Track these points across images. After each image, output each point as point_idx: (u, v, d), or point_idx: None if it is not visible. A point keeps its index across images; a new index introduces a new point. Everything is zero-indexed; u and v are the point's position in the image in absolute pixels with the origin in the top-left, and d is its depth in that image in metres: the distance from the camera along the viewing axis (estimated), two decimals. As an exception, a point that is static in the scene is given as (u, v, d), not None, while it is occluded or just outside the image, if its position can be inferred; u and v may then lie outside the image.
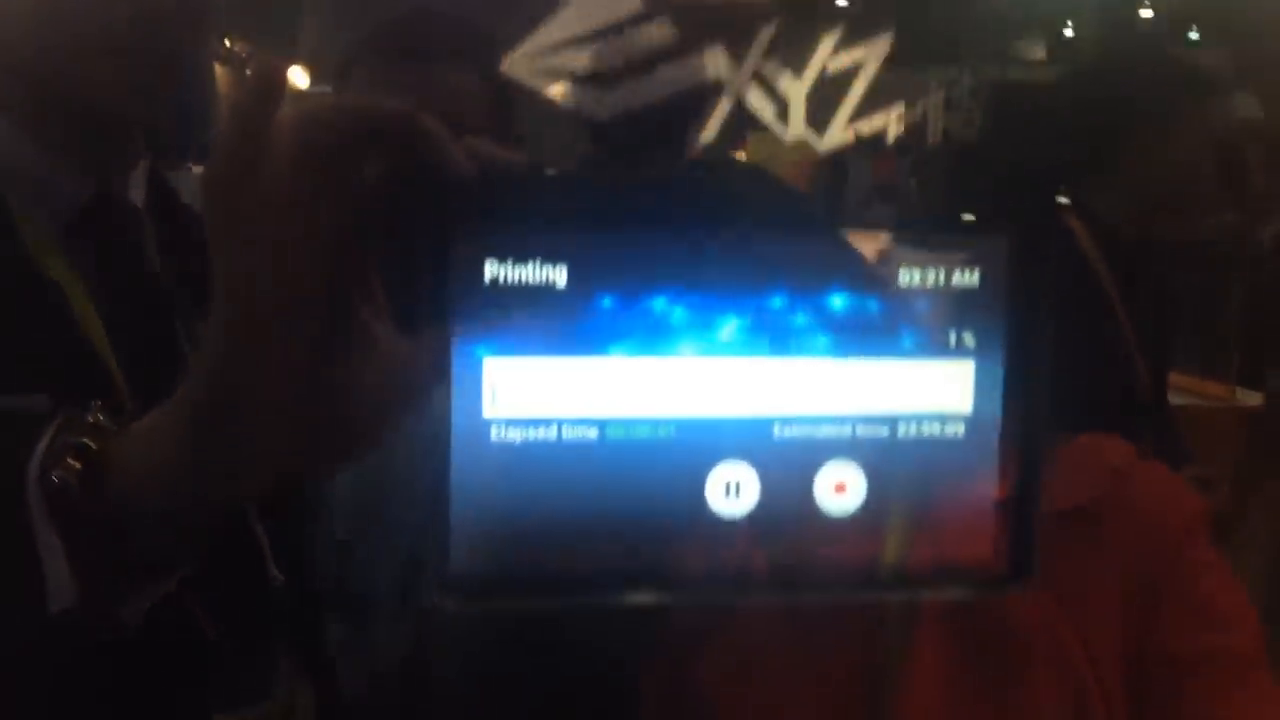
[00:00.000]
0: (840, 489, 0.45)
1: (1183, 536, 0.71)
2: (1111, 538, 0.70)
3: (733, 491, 0.45)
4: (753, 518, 0.45)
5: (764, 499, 0.45)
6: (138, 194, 0.79)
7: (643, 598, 0.44)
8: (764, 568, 0.45)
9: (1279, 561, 1.69)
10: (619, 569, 0.44)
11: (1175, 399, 1.78)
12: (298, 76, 3.53)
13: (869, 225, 0.44)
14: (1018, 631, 0.69)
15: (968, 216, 0.44)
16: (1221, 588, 0.71)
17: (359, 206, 0.42)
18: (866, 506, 0.45)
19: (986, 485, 0.45)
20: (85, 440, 0.45)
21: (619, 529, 0.44)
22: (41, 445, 0.45)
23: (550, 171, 0.47)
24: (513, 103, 1.13)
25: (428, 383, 0.44)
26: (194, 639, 0.71)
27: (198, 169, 0.73)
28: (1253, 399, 1.95)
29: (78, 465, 0.44)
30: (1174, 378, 1.77)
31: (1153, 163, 1.50)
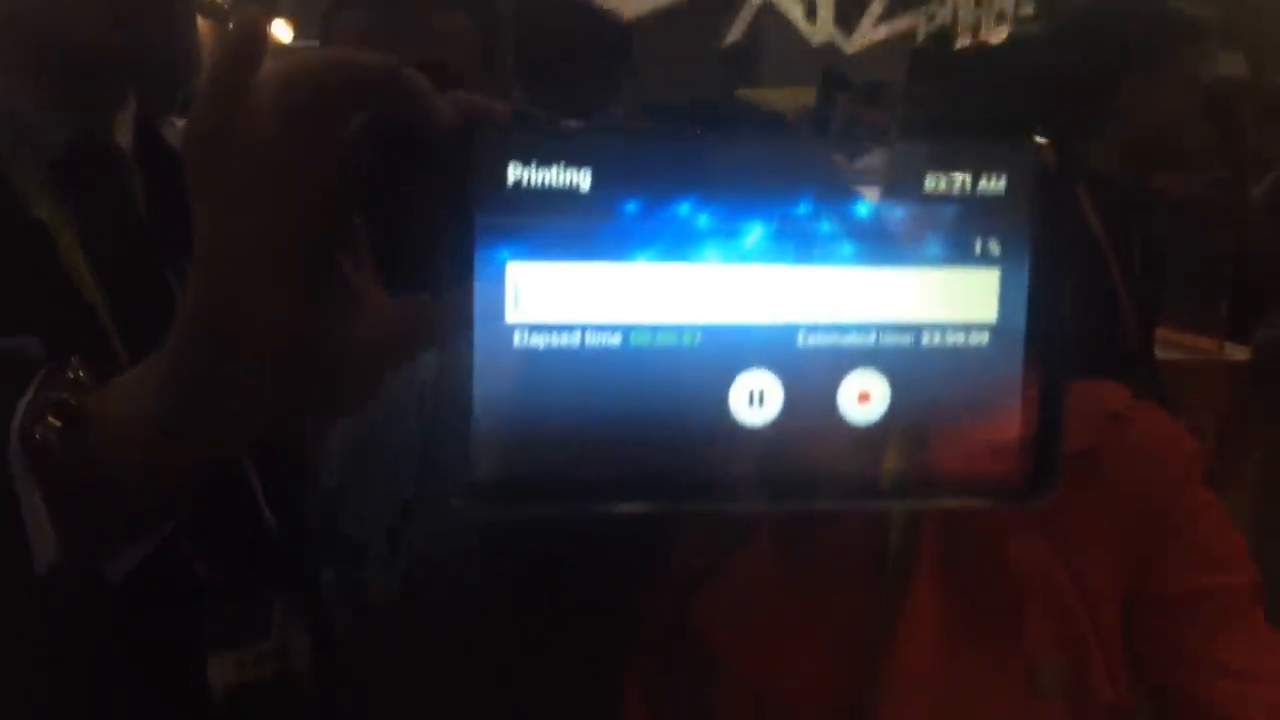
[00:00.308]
0: (864, 398, 0.45)
1: (1180, 480, 0.72)
2: (1109, 482, 0.70)
3: (756, 400, 0.44)
4: (776, 426, 0.44)
5: (787, 407, 0.44)
6: (125, 139, 0.78)
7: (665, 505, 0.44)
8: (786, 476, 0.45)
9: (1263, 511, 1.70)
10: (641, 476, 0.44)
11: (1164, 353, 1.79)
12: (280, 30, 3.49)
13: (896, 132, 0.43)
14: (1015, 574, 0.70)
15: (994, 123, 0.44)
16: (1218, 529, 0.72)
17: (342, 161, 0.41)
18: (890, 416, 0.45)
19: (1010, 395, 0.45)
20: (66, 396, 0.44)
21: (642, 436, 0.44)
22: (24, 402, 0.44)
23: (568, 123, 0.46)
24: (502, 42, 1.11)
25: (414, 339, 0.44)
26: (189, 581, 0.71)
27: (181, 122, 0.72)
28: (1241, 353, 1.96)
29: (58, 422, 0.44)
30: (1163, 332, 1.78)
31: (1143, 111, 1.50)
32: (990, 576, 0.69)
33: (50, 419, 0.44)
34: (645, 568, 0.77)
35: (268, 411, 0.43)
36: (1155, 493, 0.71)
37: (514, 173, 0.42)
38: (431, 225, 0.41)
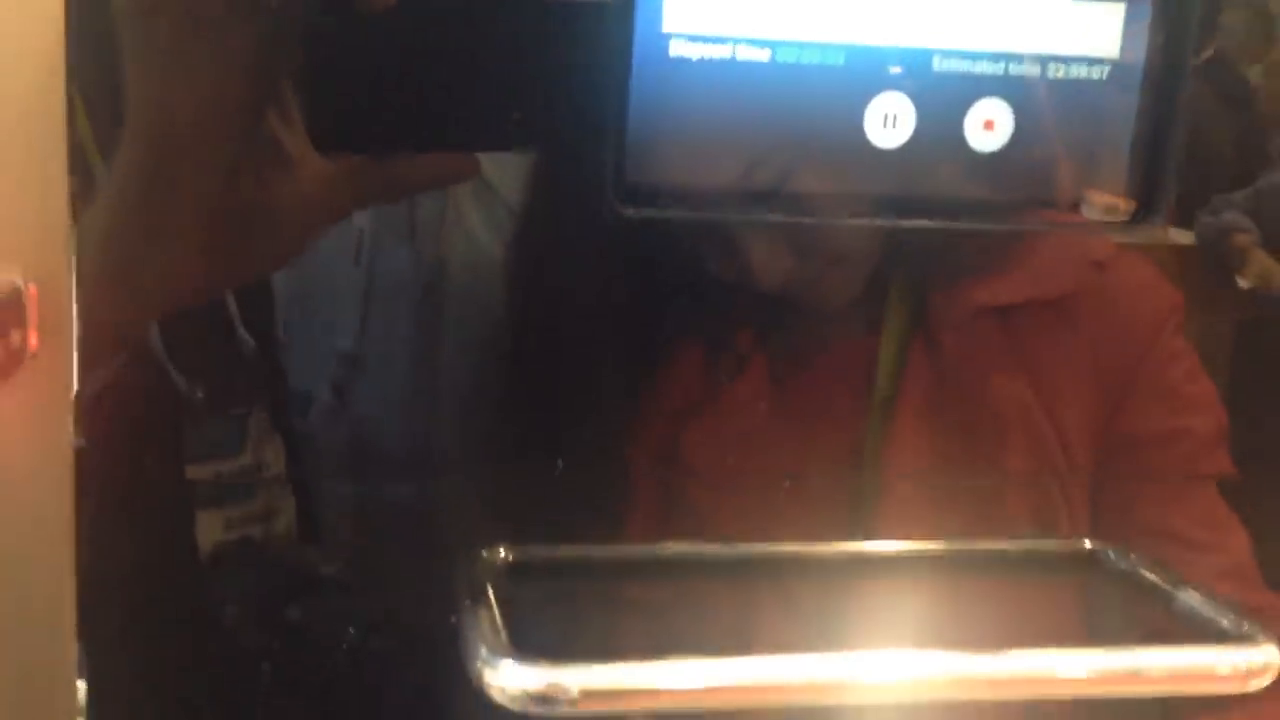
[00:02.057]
0: (989, 125, 0.47)
1: (1157, 327, 0.74)
2: (1089, 326, 0.72)
3: (890, 122, 0.46)
4: (906, 149, 0.47)
5: (918, 131, 0.47)
6: None
7: (800, 218, 0.46)
8: (912, 197, 0.47)
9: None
10: (779, 189, 0.46)
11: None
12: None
13: None
14: (995, 410, 0.72)
15: None
16: (1189, 376, 0.74)
17: (273, 25, 0.42)
18: (1012, 144, 0.47)
19: (1125, 129, 0.48)
20: None
21: (782, 151, 0.46)
22: None
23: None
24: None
25: (348, 199, 0.46)
26: (166, 395, 0.71)
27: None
28: (1185, 238, 1.98)
29: None
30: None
31: None
32: (972, 411, 0.71)
33: None
34: (634, 404, 0.77)
35: (198, 274, 0.44)
36: (1131, 339, 0.73)
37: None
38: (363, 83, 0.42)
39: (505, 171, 0.64)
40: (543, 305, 0.69)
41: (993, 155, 0.48)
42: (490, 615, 0.45)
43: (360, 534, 0.72)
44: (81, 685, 0.42)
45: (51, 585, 0.41)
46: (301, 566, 0.71)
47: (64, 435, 0.40)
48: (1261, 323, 0.80)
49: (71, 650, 0.42)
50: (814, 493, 0.74)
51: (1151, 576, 0.56)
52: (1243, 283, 0.80)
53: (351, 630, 0.63)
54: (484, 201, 0.67)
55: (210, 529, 0.72)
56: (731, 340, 0.68)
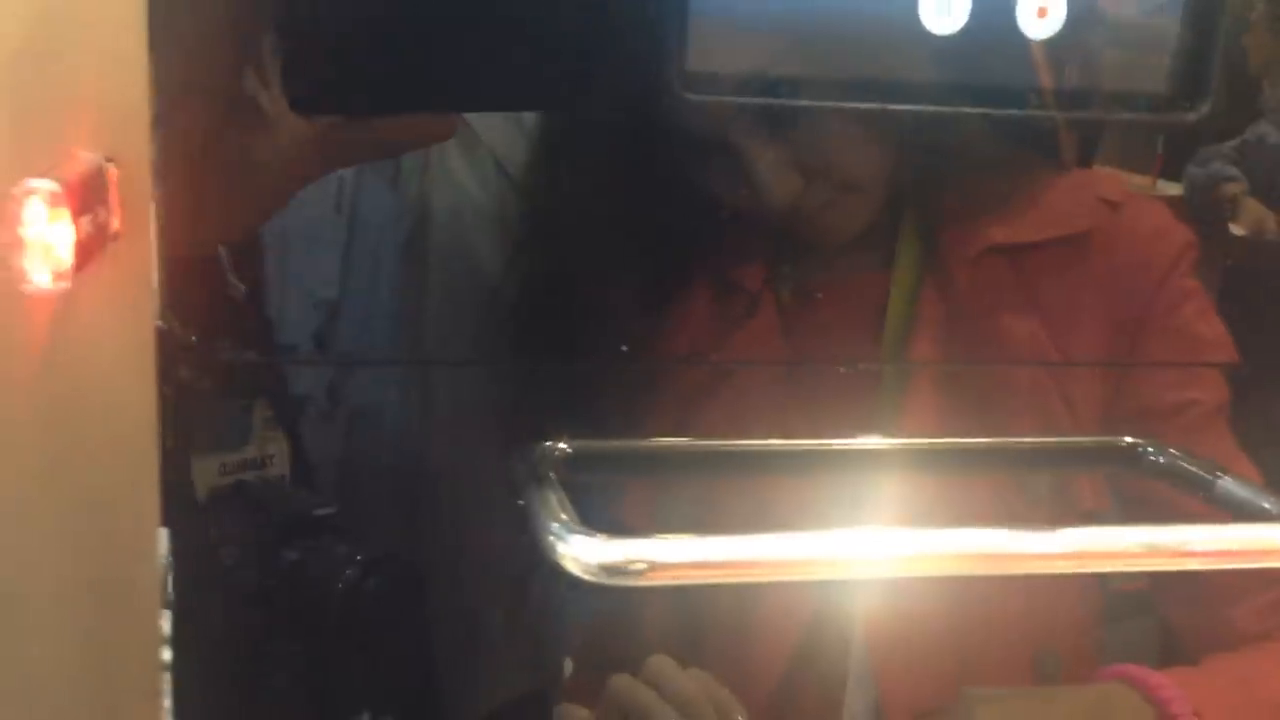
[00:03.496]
0: (1042, 13, 0.48)
1: (1169, 266, 0.74)
2: (1102, 265, 0.72)
3: (945, 9, 0.47)
4: (960, 36, 0.47)
5: (973, 18, 0.47)
6: None
7: (860, 103, 0.47)
8: (968, 82, 0.48)
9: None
10: (839, 76, 0.47)
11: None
12: None
13: None
14: (1006, 346, 0.72)
15: None
16: (1200, 315, 0.75)
17: None
18: (1064, 31, 0.48)
19: (1171, 17, 0.48)
20: None
21: (840, 39, 0.46)
22: None
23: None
24: None
25: (328, 158, 0.47)
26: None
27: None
28: (1173, 189, 1.97)
29: None
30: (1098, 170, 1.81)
31: None
32: (985, 345, 0.71)
33: None
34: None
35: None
36: (1144, 277, 0.73)
37: None
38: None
39: (489, 118, 0.65)
40: (541, 252, 0.69)
41: (1046, 41, 0.48)
42: (558, 497, 0.47)
43: (351, 478, 0.73)
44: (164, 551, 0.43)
45: (136, 466, 0.42)
46: (296, 508, 0.72)
47: (147, 316, 0.41)
48: (1247, 268, 0.81)
49: (155, 533, 0.43)
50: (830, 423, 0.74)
51: (1191, 467, 0.57)
52: (1237, 230, 0.81)
53: (348, 571, 0.62)
54: (468, 148, 0.67)
55: (205, 474, 0.74)
56: (741, 280, 0.68)
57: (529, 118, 0.65)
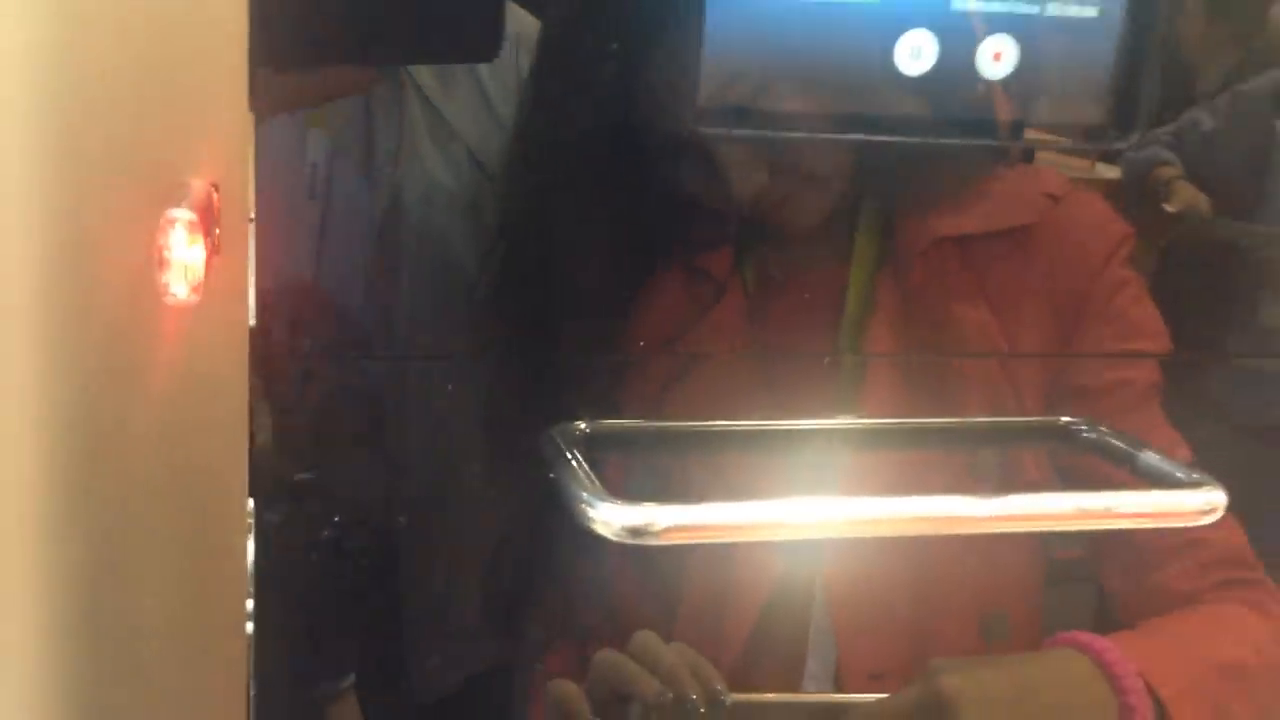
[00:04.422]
0: (998, 57, 0.56)
1: (1107, 256, 0.79)
2: (1045, 255, 0.77)
3: (916, 54, 0.55)
4: (928, 78, 0.55)
5: (939, 62, 0.55)
6: None
7: (845, 136, 0.55)
8: (934, 118, 0.56)
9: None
10: (825, 110, 0.55)
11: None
12: None
13: None
14: (957, 332, 0.76)
15: None
16: (1136, 302, 0.79)
17: None
18: (1016, 72, 0.56)
19: (1107, 57, 0.57)
20: None
21: (826, 78, 0.54)
22: None
23: None
24: None
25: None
26: None
27: None
28: (1112, 172, 2.06)
29: None
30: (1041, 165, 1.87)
31: None
32: (937, 334, 0.76)
33: None
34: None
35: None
36: (1083, 267, 0.77)
37: None
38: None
39: (464, 110, 0.67)
40: (514, 242, 0.71)
41: (1001, 81, 0.57)
42: (585, 470, 0.55)
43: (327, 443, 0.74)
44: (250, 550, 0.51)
45: (229, 452, 0.49)
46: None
47: (242, 318, 0.48)
48: (1181, 250, 0.87)
49: (244, 500, 0.50)
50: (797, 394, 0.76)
51: (1117, 443, 0.67)
52: (1170, 209, 0.86)
53: (325, 531, 0.66)
54: (440, 140, 0.69)
55: None
56: (709, 267, 0.72)
57: (502, 111, 0.67)
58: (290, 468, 0.64)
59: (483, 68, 0.66)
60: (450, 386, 0.71)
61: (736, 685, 0.75)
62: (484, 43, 0.58)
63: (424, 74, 0.66)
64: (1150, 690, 0.73)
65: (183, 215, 0.41)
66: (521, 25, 0.65)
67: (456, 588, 0.76)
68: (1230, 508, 0.62)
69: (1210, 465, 0.70)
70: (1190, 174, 0.77)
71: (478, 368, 0.71)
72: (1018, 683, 0.75)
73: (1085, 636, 0.75)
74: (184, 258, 0.41)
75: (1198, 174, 0.77)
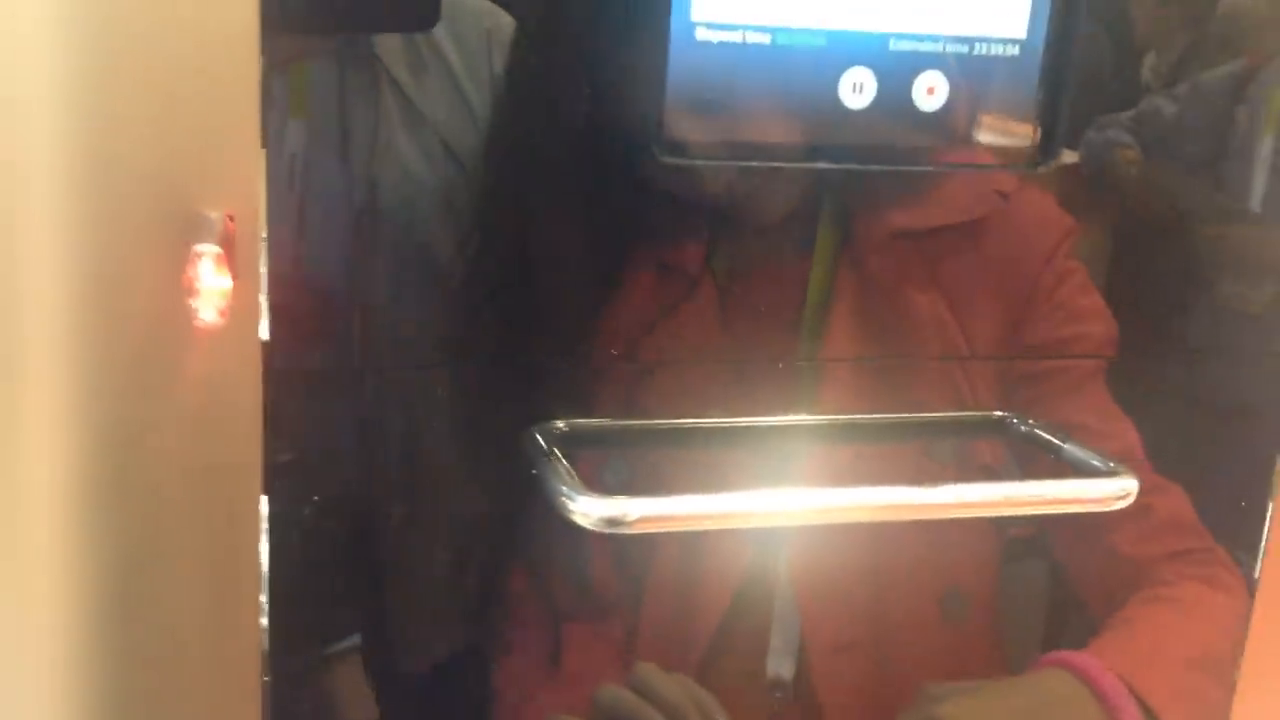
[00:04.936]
0: (931, 91, 0.63)
1: (1053, 248, 0.83)
2: (995, 247, 0.81)
3: (858, 89, 0.61)
4: (869, 110, 0.62)
5: (879, 96, 0.62)
6: None
7: (797, 162, 0.61)
8: (875, 146, 0.63)
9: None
10: (779, 139, 0.61)
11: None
12: None
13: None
14: (913, 320, 0.80)
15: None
16: (1081, 290, 0.84)
17: None
18: (948, 105, 0.63)
19: (1030, 90, 0.64)
20: None
21: (779, 110, 0.61)
22: None
23: None
24: None
25: None
26: None
27: None
28: (1070, 156, 2.11)
29: None
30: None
31: None
32: (894, 323, 0.80)
33: None
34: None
35: None
36: (1031, 257, 0.82)
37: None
38: None
39: (438, 101, 0.68)
40: (488, 235, 0.72)
41: (934, 113, 0.63)
42: (565, 466, 0.61)
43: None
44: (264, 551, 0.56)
45: (247, 443, 0.55)
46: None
47: (255, 333, 0.53)
48: (1136, 226, 0.92)
49: (258, 495, 0.56)
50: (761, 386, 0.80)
51: (1045, 435, 0.73)
52: (1127, 193, 0.90)
53: (305, 510, 0.67)
54: (415, 130, 0.70)
55: None
56: (682, 263, 0.76)
57: (477, 105, 0.69)
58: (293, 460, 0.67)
59: (456, 60, 0.68)
60: (432, 388, 0.73)
61: (707, 664, 0.79)
62: (423, 11, 0.62)
63: (398, 65, 0.68)
64: (1138, 699, 0.77)
65: (209, 249, 0.47)
66: (495, 20, 0.68)
67: (437, 571, 0.78)
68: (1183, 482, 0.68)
69: (1167, 442, 0.77)
70: (1149, 159, 0.80)
71: (455, 371, 0.73)
72: (1013, 709, 0.80)
73: (1073, 658, 0.79)
74: (212, 286, 0.47)
75: (1157, 159, 0.80)
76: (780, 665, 0.84)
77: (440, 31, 0.66)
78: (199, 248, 0.47)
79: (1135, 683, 0.78)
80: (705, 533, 0.77)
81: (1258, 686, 0.84)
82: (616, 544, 0.78)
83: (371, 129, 0.67)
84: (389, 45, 0.66)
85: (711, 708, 0.75)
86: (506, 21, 0.67)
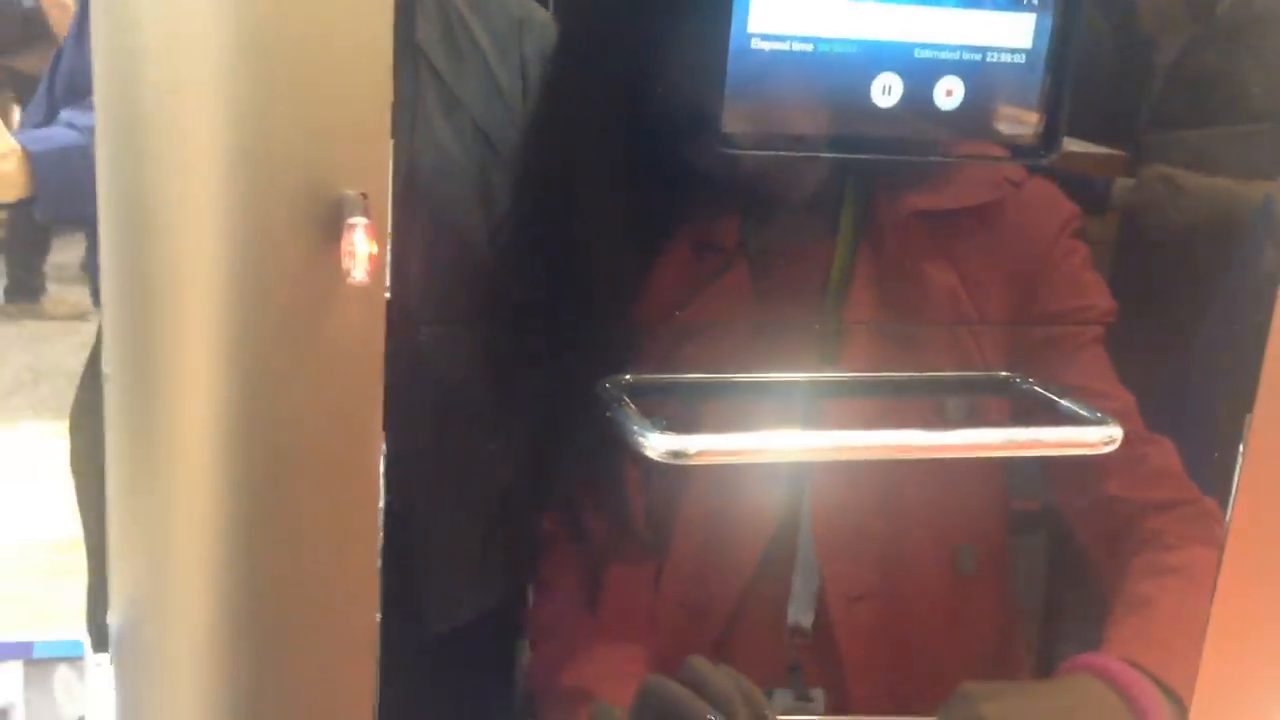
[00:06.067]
0: (950, 93, 0.73)
1: (1059, 230, 0.91)
2: (1005, 230, 0.88)
3: (886, 91, 0.72)
4: (896, 109, 0.72)
5: (904, 97, 0.72)
6: None
7: (838, 152, 0.72)
8: (901, 139, 0.73)
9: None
10: (823, 133, 0.72)
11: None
12: None
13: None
14: (929, 295, 0.87)
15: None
16: (1084, 266, 0.92)
17: None
18: (964, 105, 0.73)
19: (1035, 92, 0.74)
20: None
21: (823, 107, 0.71)
22: None
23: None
24: None
25: None
26: None
27: None
28: (1075, 145, 2.14)
29: None
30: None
31: None
32: (910, 299, 0.87)
33: None
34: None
35: None
36: (1038, 239, 0.89)
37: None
38: None
39: (469, 84, 0.74)
40: (524, 214, 0.78)
41: (952, 111, 0.74)
42: (635, 410, 0.72)
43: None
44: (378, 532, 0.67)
45: (368, 388, 0.65)
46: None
47: (379, 294, 0.64)
48: (1136, 219, 0.99)
49: (379, 432, 0.66)
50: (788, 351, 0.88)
51: (1042, 390, 0.84)
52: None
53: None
54: (451, 114, 0.74)
55: None
56: (719, 240, 0.82)
57: (507, 83, 0.75)
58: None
59: (489, 47, 0.75)
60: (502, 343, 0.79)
61: (733, 610, 0.86)
62: None
63: (436, 50, 0.73)
64: (1166, 691, 0.83)
65: (360, 221, 0.57)
66: (526, 10, 0.76)
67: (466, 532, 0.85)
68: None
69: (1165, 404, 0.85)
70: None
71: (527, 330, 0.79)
72: (1053, 709, 0.86)
73: (1102, 662, 0.85)
74: (363, 251, 0.57)
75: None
76: (800, 613, 0.92)
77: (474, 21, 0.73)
78: (352, 220, 0.57)
79: (1162, 675, 0.84)
80: (738, 488, 0.86)
81: (1225, 631, 0.89)
82: (657, 493, 0.86)
83: (410, 109, 0.71)
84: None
85: (759, 701, 0.79)
86: (536, 10, 0.75)
